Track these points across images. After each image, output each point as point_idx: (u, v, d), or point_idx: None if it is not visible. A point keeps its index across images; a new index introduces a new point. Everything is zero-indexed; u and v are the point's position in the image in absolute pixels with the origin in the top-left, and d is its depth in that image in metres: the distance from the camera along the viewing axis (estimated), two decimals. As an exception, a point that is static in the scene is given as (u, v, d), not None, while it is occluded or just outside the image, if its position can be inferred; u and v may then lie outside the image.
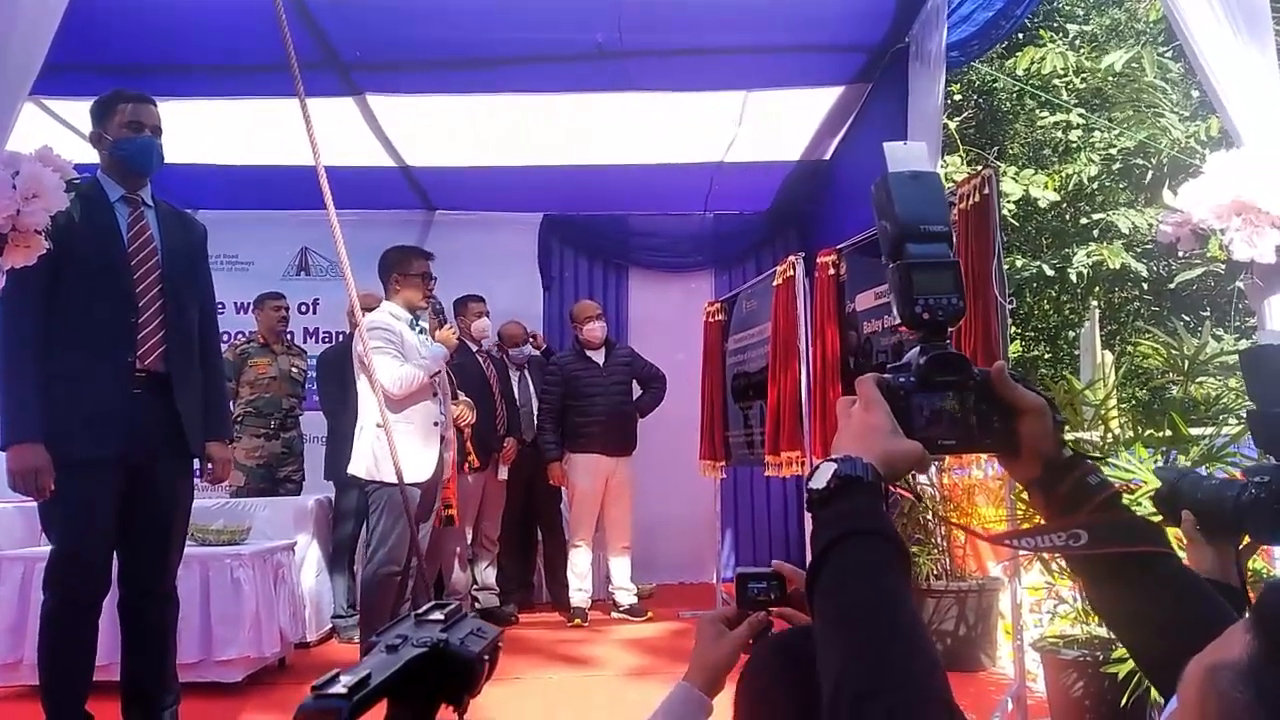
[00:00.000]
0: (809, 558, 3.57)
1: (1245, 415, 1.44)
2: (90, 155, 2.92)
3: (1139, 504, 2.70)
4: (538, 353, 6.22)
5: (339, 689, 0.66)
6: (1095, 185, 8.53)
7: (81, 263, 2.68)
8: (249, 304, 6.17)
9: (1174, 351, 3.15)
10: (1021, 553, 3.18)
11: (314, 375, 5.78)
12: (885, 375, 0.96)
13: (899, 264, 0.96)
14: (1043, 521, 1.00)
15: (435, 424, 4.11)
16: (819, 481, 0.91)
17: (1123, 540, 0.94)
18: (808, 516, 3.78)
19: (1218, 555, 1.38)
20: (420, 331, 4.16)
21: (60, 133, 5.06)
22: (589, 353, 5.68)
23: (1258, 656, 0.61)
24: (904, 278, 0.96)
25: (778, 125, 5.94)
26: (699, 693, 1.23)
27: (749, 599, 1.29)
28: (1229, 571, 1.36)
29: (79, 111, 4.85)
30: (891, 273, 0.98)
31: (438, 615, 0.84)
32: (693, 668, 1.26)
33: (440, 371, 4.17)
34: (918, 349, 0.97)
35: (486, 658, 0.82)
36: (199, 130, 5.39)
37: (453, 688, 0.80)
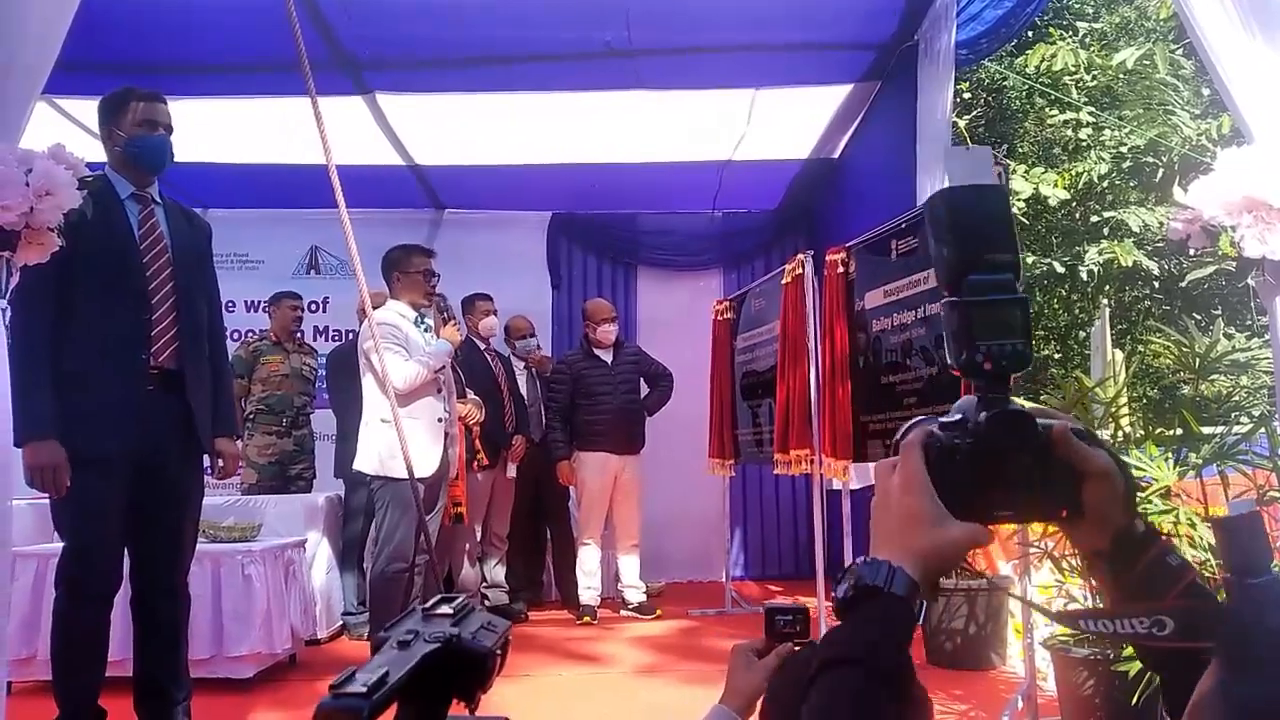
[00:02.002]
0: (818, 554, 3.60)
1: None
2: (101, 154, 2.93)
3: (1150, 502, 2.70)
4: (542, 351, 6.24)
5: (357, 688, 0.66)
6: (1105, 183, 8.48)
7: (94, 260, 2.70)
8: (259, 302, 6.20)
9: (1185, 350, 3.14)
10: (1032, 551, 3.18)
11: (324, 374, 5.81)
12: (936, 432, 0.84)
13: (957, 301, 0.83)
14: (1098, 597, 0.94)
15: (440, 420, 4.13)
16: (841, 588, 0.81)
17: (1213, 633, 0.81)
18: (817, 514, 3.78)
19: None
20: (425, 329, 4.18)
21: (70, 131, 5.08)
22: (597, 351, 5.69)
23: (1225, 679, 0.61)
24: (962, 317, 0.82)
25: (786, 123, 5.94)
26: (734, 714, 1.34)
27: (776, 631, 1.39)
28: None
29: (88, 110, 4.88)
30: (946, 309, 0.84)
31: (446, 609, 0.83)
32: (728, 692, 1.37)
33: (444, 368, 4.18)
34: (976, 401, 0.84)
35: (498, 652, 0.82)
36: (209, 129, 5.41)
37: (465, 682, 0.80)
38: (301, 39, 3.03)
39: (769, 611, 1.42)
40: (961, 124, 8.16)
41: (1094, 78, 8.39)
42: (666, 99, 5.51)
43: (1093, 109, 8.21)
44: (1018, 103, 9.42)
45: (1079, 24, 9.05)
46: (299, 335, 5.90)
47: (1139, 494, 2.74)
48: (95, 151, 2.91)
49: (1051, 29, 8.70)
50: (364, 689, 0.65)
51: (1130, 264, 7.84)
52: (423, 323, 4.19)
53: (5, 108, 2.21)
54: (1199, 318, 7.37)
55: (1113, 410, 3.15)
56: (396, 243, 4.38)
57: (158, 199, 2.93)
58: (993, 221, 0.84)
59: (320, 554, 5.01)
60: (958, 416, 0.84)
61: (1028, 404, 0.89)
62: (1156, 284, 8.82)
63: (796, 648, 1.37)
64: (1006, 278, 0.83)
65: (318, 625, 4.81)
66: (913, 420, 0.90)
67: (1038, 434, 0.83)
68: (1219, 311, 7.72)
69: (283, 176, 6.21)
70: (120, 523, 2.76)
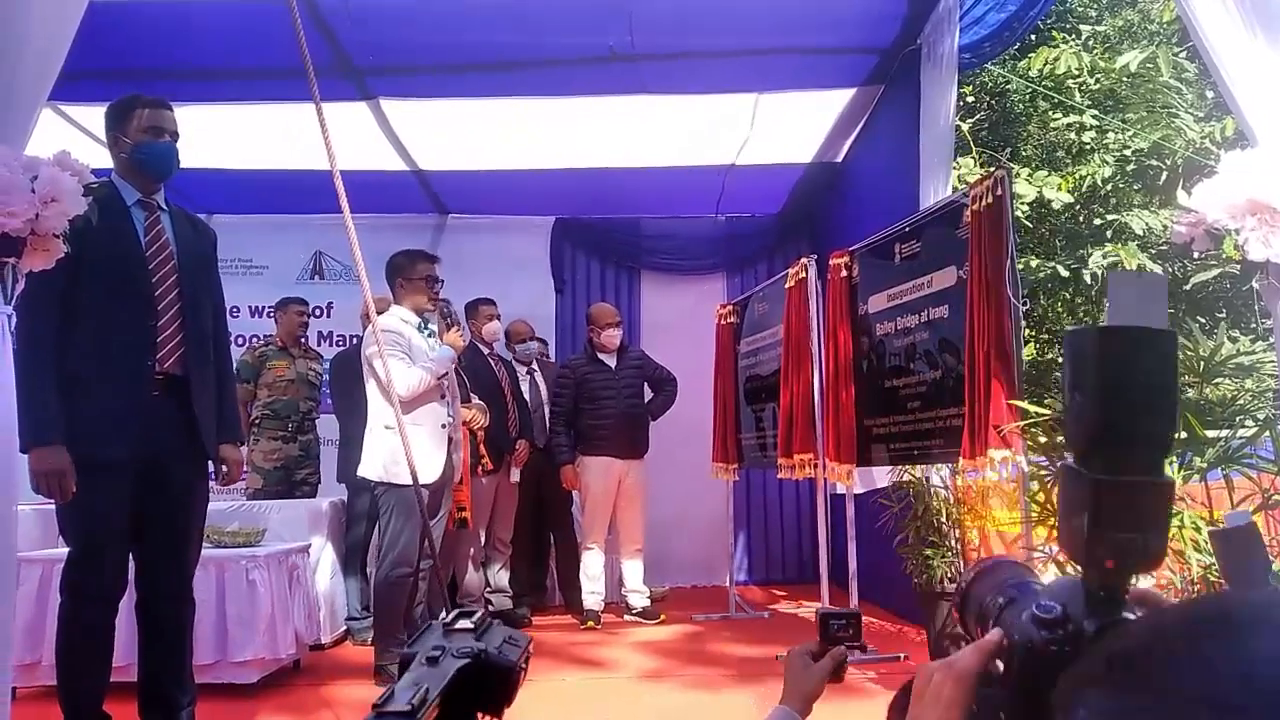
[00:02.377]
0: (822, 558, 3.60)
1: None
2: (106, 160, 2.94)
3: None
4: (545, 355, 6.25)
5: (401, 705, 0.66)
6: (1109, 186, 8.47)
7: (100, 266, 2.70)
8: (263, 308, 6.21)
9: (1189, 353, 3.14)
10: (1035, 555, 3.17)
11: (328, 378, 5.81)
12: (1030, 630, 0.68)
13: (1084, 474, 0.65)
14: None
15: (443, 426, 4.13)
16: None
17: None
18: (821, 518, 3.79)
19: None
20: (429, 335, 4.18)
21: (75, 137, 5.10)
22: (601, 356, 5.69)
23: None
24: (1089, 495, 0.64)
25: (789, 128, 5.94)
26: (795, 713, 1.42)
27: (830, 635, 1.46)
28: None
29: (93, 116, 4.89)
30: (1069, 476, 0.67)
31: (467, 624, 0.84)
32: (789, 693, 1.44)
33: (447, 373, 4.19)
34: (1084, 599, 0.68)
35: (523, 666, 0.83)
36: (213, 135, 5.43)
37: (491, 697, 0.80)
38: (306, 45, 3.03)
39: (823, 616, 1.48)
40: (965, 127, 8.16)
41: (1097, 81, 8.38)
42: (670, 103, 5.51)
43: (1096, 112, 8.21)
44: (1021, 106, 9.42)
45: (1082, 27, 9.04)
46: (305, 340, 5.91)
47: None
48: (100, 158, 2.92)
49: (1054, 32, 8.69)
50: (408, 707, 0.66)
51: (1134, 267, 7.83)
52: (426, 328, 4.19)
53: (12, 114, 2.22)
54: (1203, 321, 7.36)
55: (1117, 414, 3.14)
56: (400, 248, 4.38)
57: (163, 205, 2.94)
58: (1154, 381, 0.66)
59: (324, 559, 5.02)
60: (1057, 610, 0.68)
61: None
62: (1160, 287, 8.80)
63: (849, 650, 1.46)
64: (1155, 459, 0.66)
65: (322, 630, 4.80)
66: (978, 577, 0.76)
67: None
68: (1223, 314, 7.71)
69: (286, 182, 6.23)
70: (125, 527, 2.76)
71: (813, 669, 1.44)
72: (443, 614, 0.88)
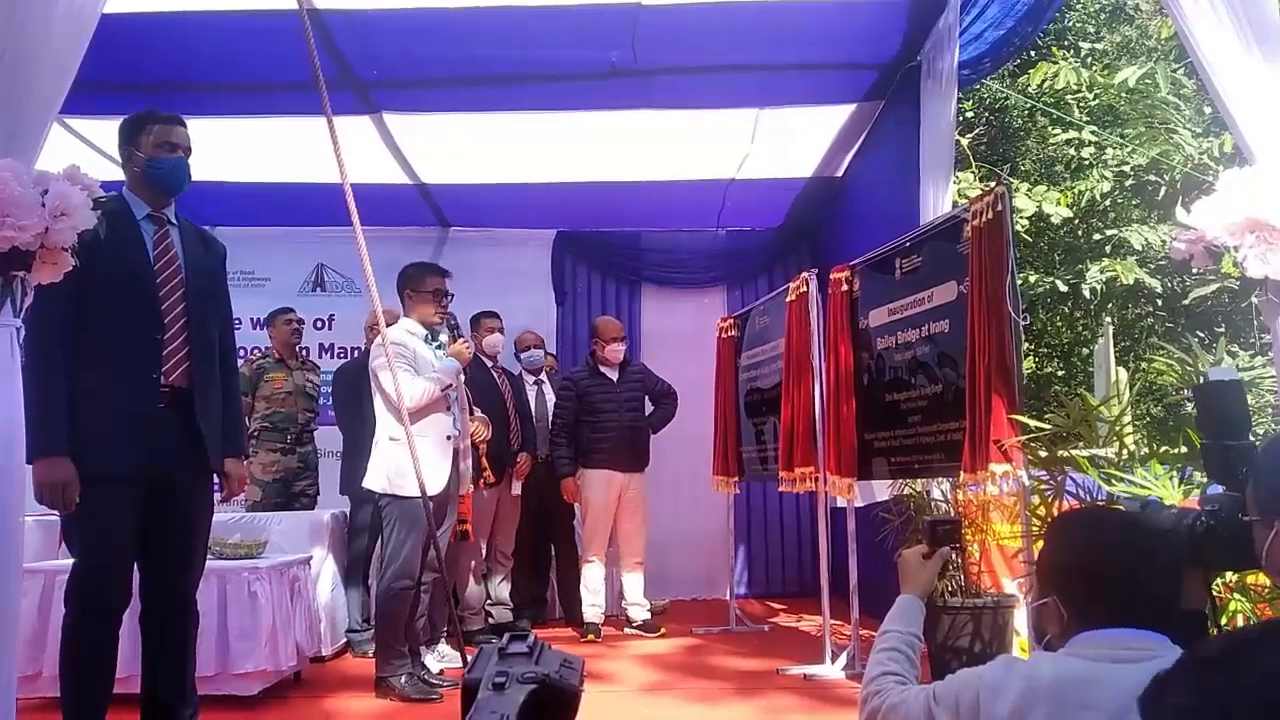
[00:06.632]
0: (823, 572, 3.64)
1: (1199, 448, 1.48)
2: (114, 173, 2.96)
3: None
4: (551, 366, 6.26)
5: None
6: (1108, 201, 8.50)
7: (108, 280, 2.72)
8: (265, 320, 6.21)
9: (1188, 368, 3.15)
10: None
11: (329, 390, 5.82)
12: None
13: None
14: None
15: (449, 437, 4.14)
16: None
17: None
18: (822, 531, 3.81)
19: (1185, 581, 1.38)
20: (438, 347, 4.20)
21: (80, 150, 5.13)
22: (603, 369, 5.70)
23: None
24: None
25: (790, 142, 5.98)
26: (918, 598, 1.78)
27: (937, 537, 1.81)
28: (1189, 596, 1.39)
29: (99, 129, 4.92)
30: None
31: (521, 648, 0.84)
32: (910, 585, 1.81)
33: (452, 385, 4.20)
34: None
35: (583, 688, 0.84)
36: (216, 147, 5.44)
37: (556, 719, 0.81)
38: (318, 60, 3.05)
39: (930, 524, 1.87)
40: (964, 142, 8.19)
41: (1096, 96, 8.43)
42: (671, 118, 5.55)
43: (1095, 127, 8.25)
44: (1020, 121, 9.47)
45: (1081, 44, 9.10)
46: (303, 351, 5.92)
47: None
48: (102, 170, 2.93)
49: (1053, 48, 8.74)
50: None
51: (1133, 282, 7.86)
52: (434, 340, 4.21)
53: (22, 128, 2.23)
54: (1202, 335, 7.37)
55: (1117, 429, 3.15)
56: (402, 261, 4.41)
57: (173, 220, 2.96)
58: None
59: (325, 571, 5.02)
60: None
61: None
62: (1159, 302, 8.83)
63: (951, 550, 1.83)
64: None
65: (322, 642, 4.80)
66: None
67: None
68: (1222, 329, 7.72)
69: (289, 194, 6.26)
70: (131, 540, 2.76)
71: (926, 565, 1.82)
72: (495, 638, 0.89)
